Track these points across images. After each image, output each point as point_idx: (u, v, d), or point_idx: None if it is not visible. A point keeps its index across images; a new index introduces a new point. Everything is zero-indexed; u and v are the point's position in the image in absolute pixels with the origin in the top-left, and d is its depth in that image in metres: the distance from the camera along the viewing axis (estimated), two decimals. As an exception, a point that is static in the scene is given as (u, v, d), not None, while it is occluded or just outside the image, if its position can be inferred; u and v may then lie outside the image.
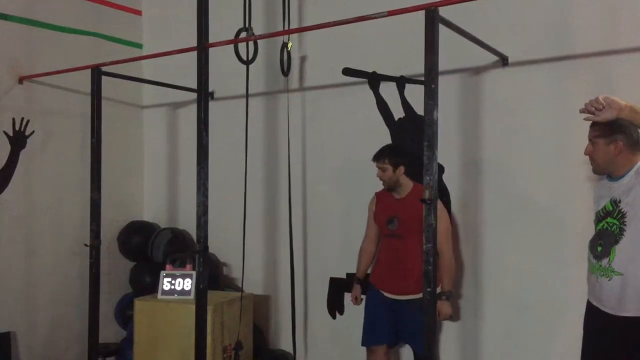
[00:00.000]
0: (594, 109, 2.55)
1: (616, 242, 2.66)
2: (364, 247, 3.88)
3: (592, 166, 2.83)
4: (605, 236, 2.71)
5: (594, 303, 2.78)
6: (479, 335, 3.81)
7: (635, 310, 2.61)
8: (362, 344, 3.73)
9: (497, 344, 3.76)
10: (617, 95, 2.61)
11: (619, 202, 2.68)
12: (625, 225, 2.63)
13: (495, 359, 3.77)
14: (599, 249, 2.73)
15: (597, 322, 2.77)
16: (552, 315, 3.56)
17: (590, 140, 2.78)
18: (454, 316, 3.76)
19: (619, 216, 2.67)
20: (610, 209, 2.71)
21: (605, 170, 2.78)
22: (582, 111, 2.61)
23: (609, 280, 2.66)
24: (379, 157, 3.63)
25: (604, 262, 2.69)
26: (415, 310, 3.44)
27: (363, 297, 3.84)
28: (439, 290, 3.52)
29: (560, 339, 3.51)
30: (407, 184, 3.64)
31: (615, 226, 2.68)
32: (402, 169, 3.60)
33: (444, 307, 3.49)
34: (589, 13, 3.44)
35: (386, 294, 3.66)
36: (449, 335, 3.88)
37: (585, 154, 2.80)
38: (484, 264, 3.79)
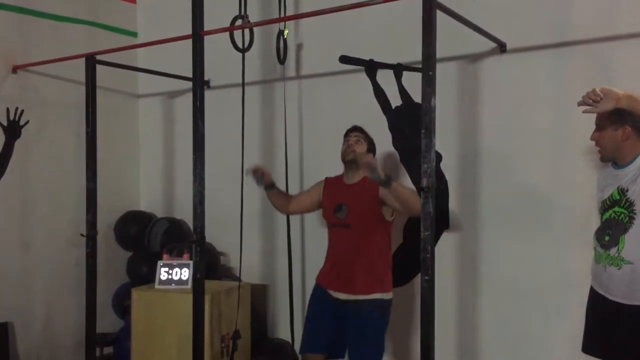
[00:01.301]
0: (591, 101, 2.54)
1: (625, 230, 2.64)
2: (280, 203, 3.70)
3: (600, 153, 2.81)
4: (613, 225, 2.70)
5: (601, 292, 2.77)
6: (477, 324, 3.81)
7: None
8: (299, 352, 3.56)
9: (495, 333, 3.76)
10: (616, 81, 2.59)
11: (627, 190, 2.66)
12: (634, 214, 2.62)
13: (494, 347, 3.77)
14: (607, 238, 2.72)
15: (603, 310, 2.77)
16: (551, 304, 3.56)
17: (597, 125, 2.76)
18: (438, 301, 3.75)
19: (626, 205, 2.65)
20: (618, 197, 2.70)
21: (612, 156, 2.76)
22: (580, 104, 2.60)
23: (618, 269, 2.65)
24: (360, 128, 3.48)
25: (613, 251, 2.68)
26: (361, 313, 3.27)
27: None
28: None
29: (560, 328, 3.51)
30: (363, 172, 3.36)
31: (623, 215, 2.66)
32: (371, 156, 3.43)
33: (369, 157, 3.23)
34: (587, -1, 3.42)
35: (332, 293, 3.41)
36: (446, 324, 3.88)
37: (592, 139, 2.79)
38: (483, 252, 3.78)
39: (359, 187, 3.40)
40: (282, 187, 4.06)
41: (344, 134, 3.55)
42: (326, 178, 3.65)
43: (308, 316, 3.57)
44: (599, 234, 2.79)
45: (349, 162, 3.43)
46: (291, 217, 4.06)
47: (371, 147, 3.51)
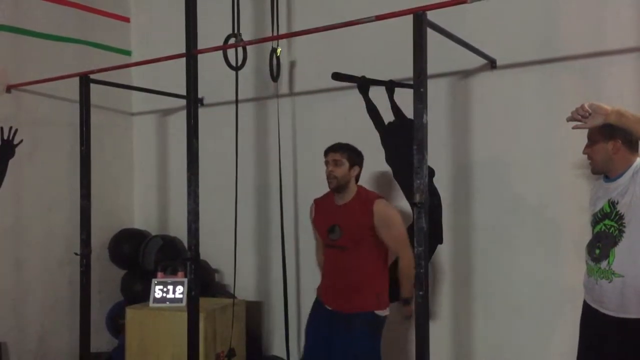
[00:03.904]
0: (580, 116, 2.57)
1: (615, 244, 2.66)
2: (319, 260, 3.67)
3: (591, 166, 2.83)
4: (604, 238, 2.71)
5: (593, 305, 2.78)
6: (471, 338, 3.81)
7: (637, 312, 2.61)
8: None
9: (489, 347, 3.76)
10: (604, 96, 2.62)
11: (617, 203, 2.68)
12: (623, 227, 2.63)
13: (489, 361, 3.78)
14: (598, 251, 2.73)
15: (596, 324, 2.77)
16: (545, 317, 3.57)
17: (589, 139, 2.79)
18: (433, 317, 3.76)
19: (616, 218, 2.67)
20: (608, 210, 2.71)
21: (603, 169, 2.78)
22: (569, 119, 2.62)
23: (609, 282, 2.66)
24: (336, 148, 3.36)
25: (603, 264, 2.69)
26: (352, 326, 3.26)
27: None
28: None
29: (553, 341, 3.52)
30: (353, 189, 3.39)
31: (613, 228, 2.68)
32: (357, 169, 3.39)
33: (407, 310, 3.29)
34: (575, 15, 3.46)
35: (328, 307, 3.43)
36: (441, 338, 3.88)
37: (584, 153, 2.81)
38: (476, 266, 3.79)
39: (349, 207, 3.37)
40: (276, 202, 4.08)
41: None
42: (314, 200, 3.61)
43: (307, 328, 3.55)
44: (590, 247, 2.80)
45: (334, 189, 3.40)
46: (285, 234, 4.06)
47: (353, 160, 3.39)
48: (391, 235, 3.28)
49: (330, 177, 3.35)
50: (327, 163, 3.39)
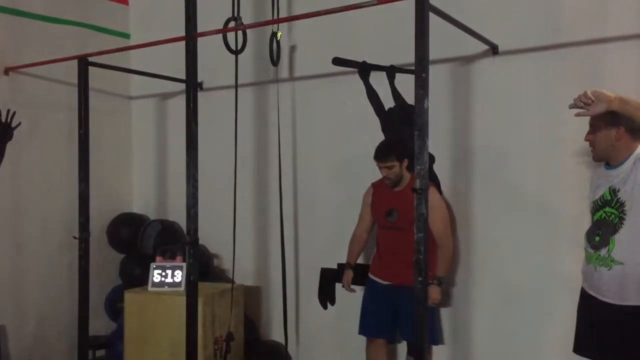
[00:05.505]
0: (583, 103, 2.55)
1: (615, 231, 2.66)
2: (357, 233, 3.87)
3: (593, 153, 2.82)
4: (604, 226, 2.71)
5: (592, 292, 2.78)
6: (470, 324, 3.83)
7: (636, 300, 2.62)
8: (361, 333, 3.76)
9: (488, 333, 3.77)
10: (606, 83, 2.60)
11: (618, 190, 2.67)
12: (624, 214, 2.63)
13: (486, 347, 3.78)
14: (597, 238, 2.73)
15: (594, 311, 2.78)
16: (543, 304, 3.57)
17: (591, 125, 2.77)
18: (444, 303, 3.79)
19: (617, 205, 2.66)
20: (609, 198, 2.71)
21: (605, 156, 2.78)
22: (571, 106, 2.61)
23: (608, 269, 2.66)
24: (385, 155, 3.56)
25: (603, 251, 2.69)
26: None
27: (357, 287, 3.84)
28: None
29: (551, 328, 3.53)
30: (407, 177, 3.61)
31: (614, 215, 2.67)
32: (406, 161, 3.56)
33: (433, 291, 3.46)
34: (578, 1, 3.44)
35: (386, 282, 3.67)
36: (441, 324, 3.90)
37: (586, 140, 2.80)
38: (475, 253, 3.80)
39: (406, 194, 3.51)
40: (275, 187, 4.07)
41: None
42: (372, 184, 3.81)
43: (365, 304, 3.78)
44: (590, 235, 2.80)
45: (392, 186, 3.65)
46: (284, 219, 4.05)
47: (401, 157, 3.55)
48: (433, 219, 3.40)
49: (386, 179, 3.63)
50: (380, 168, 3.61)
